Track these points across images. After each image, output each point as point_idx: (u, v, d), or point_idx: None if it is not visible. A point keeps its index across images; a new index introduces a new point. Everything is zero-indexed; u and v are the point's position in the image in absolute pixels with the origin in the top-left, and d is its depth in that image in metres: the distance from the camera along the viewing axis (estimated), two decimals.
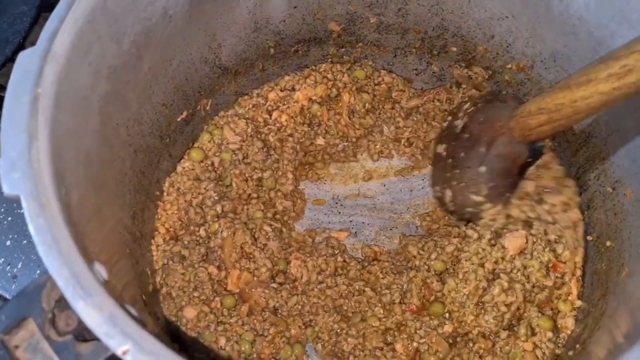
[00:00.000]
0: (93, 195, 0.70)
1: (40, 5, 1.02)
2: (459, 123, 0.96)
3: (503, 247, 0.89)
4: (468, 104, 0.99)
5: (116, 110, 0.77)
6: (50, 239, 0.53)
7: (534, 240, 0.89)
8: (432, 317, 0.89)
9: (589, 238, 0.91)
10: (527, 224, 0.91)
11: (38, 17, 1.02)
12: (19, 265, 1.08)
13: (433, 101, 1.07)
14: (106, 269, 0.61)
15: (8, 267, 1.08)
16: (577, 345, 0.80)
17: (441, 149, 0.98)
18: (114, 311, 0.51)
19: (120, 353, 0.49)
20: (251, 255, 0.92)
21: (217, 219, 0.94)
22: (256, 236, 0.94)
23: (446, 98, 1.07)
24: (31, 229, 0.53)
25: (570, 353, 0.81)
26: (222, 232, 0.92)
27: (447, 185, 0.95)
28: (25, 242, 1.09)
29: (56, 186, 0.57)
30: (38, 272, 1.07)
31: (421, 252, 0.95)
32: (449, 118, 1.00)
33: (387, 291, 0.92)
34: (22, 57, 0.62)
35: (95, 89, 0.71)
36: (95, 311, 0.50)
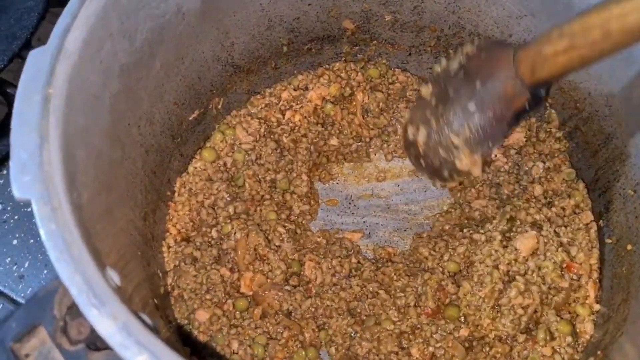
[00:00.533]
0: (104, 196, 0.69)
1: (47, 0, 1.00)
2: (455, 64, 0.82)
3: (515, 248, 0.88)
4: (469, 45, 0.83)
5: (128, 109, 0.76)
6: (62, 245, 0.51)
7: (546, 240, 0.88)
8: (448, 320, 0.88)
9: (608, 241, 0.89)
10: (536, 225, 0.90)
11: (45, 13, 1.00)
12: (26, 265, 1.06)
13: None
14: (117, 273, 0.59)
15: (15, 267, 1.06)
16: (599, 352, 0.78)
17: (426, 91, 0.83)
18: (128, 320, 0.49)
19: None
20: (265, 257, 0.90)
21: (229, 221, 0.92)
22: (270, 238, 0.92)
23: None
24: (42, 234, 0.52)
25: (591, 359, 0.79)
26: (235, 233, 0.91)
27: (424, 124, 0.82)
28: (32, 241, 1.08)
29: (68, 189, 0.55)
30: (45, 272, 1.06)
31: (432, 252, 0.93)
32: (443, 61, 0.84)
33: (402, 294, 0.90)
34: (33, 55, 0.61)
35: (106, 87, 0.70)
36: (109, 320, 0.48)
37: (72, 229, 0.52)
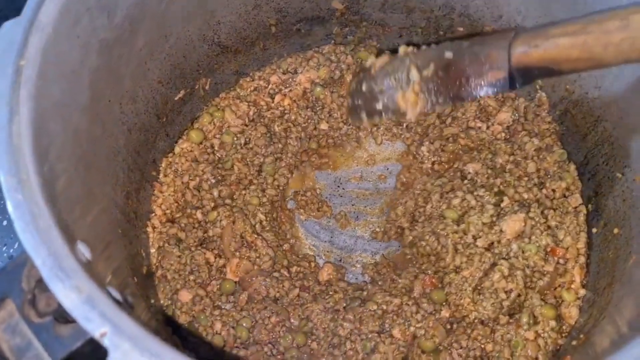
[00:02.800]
0: (82, 173, 0.68)
1: None
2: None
3: (501, 230, 0.87)
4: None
5: (108, 86, 0.75)
6: (28, 216, 0.50)
7: (533, 223, 0.87)
8: (432, 302, 0.87)
9: (594, 230, 0.88)
10: (524, 205, 0.88)
11: None
12: (16, 246, 1.07)
13: None
14: (93, 250, 0.59)
15: (4, 248, 1.06)
16: (581, 335, 0.78)
17: (404, 49, 0.80)
18: (93, 293, 0.48)
19: (98, 336, 0.46)
20: (253, 244, 0.90)
21: (214, 206, 0.92)
22: (253, 224, 0.92)
23: None
24: (9, 205, 0.51)
25: (574, 343, 0.79)
26: (221, 221, 0.90)
27: (389, 58, 0.79)
28: None
29: (38, 162, 0.55)
30: None
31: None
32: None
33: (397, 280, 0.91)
34: (6, 27, 0.60)
35: (85, 63, 0.69)
36: (73, 293, 0.48)
37: (39, 202, 0.52)
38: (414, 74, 0.75)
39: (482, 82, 0.72)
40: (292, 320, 0.87)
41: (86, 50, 0.69)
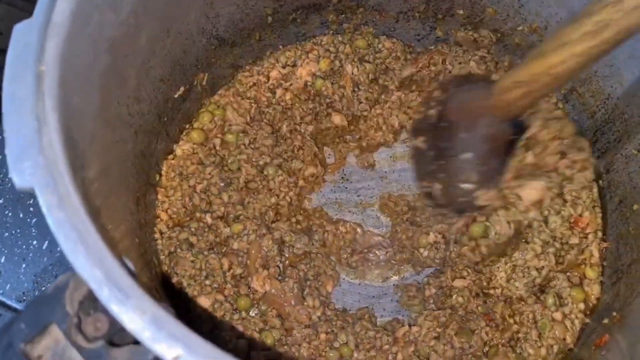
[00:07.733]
0: (102, 181, 0.64)
1: None
2: (433, 112, 0.92)
3: (518, 196, 0.86)
4: (438, 91, 0.95)
5: (116, 87, 0.71)
6: (75, 235, 0.46)
7: (552, 195, 0.86)
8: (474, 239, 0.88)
9: (609, 205, 0.88)
10: (544, 173, 0.88)
11: None
12: (2, 260, 1.02)
13: (429, 66, 1.02)
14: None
15: None
16: (614, 313, 0.78)
17: (420, 142, 0.93)
18: (156, 312, 0.45)
19: (170, 359, 0.43)
20: (283, 272, 0.88)
21: (224, 211, 0.89)
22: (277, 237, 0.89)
23: (441, 60, 1.01)
24: (51, 224, 0.47)
25: (606, 321, 0.79)
26: (249, 235, 0.87)
27: (434, 178, 0.90)
28: (6, 234, 1.03)
29: (73, 174, 0.50)
30: (24, 265, 1.02)
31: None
32: (422, 109, 0.95)
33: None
34: (19, 29, 0.55)
35: (95, 64, 0.64)
36: (136, 314, 0.44)
37: (83, 218, 0.48)
38: (468, 187, 0.86)
39: (506, 145, 0.84)
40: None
41: (96, 51, 0.64)
